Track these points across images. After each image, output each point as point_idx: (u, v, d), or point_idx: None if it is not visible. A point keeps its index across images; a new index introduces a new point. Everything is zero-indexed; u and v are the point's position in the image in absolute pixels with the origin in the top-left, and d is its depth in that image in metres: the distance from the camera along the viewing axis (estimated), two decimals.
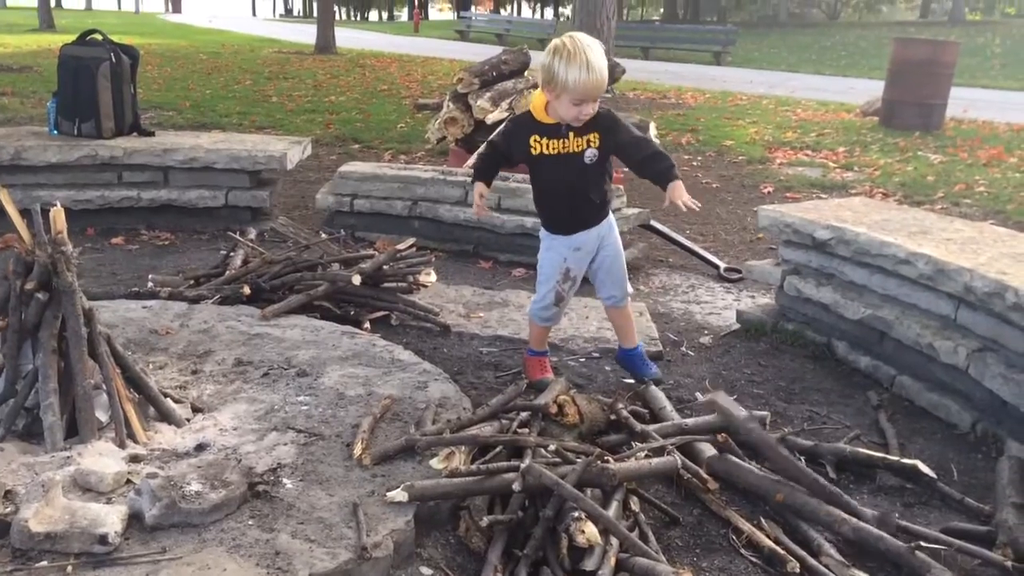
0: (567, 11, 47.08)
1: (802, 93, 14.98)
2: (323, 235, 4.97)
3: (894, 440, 2.94)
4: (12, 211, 2.42)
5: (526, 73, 6.66)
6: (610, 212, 3.21)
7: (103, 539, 1.91)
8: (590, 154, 2.97)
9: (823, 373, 3.54)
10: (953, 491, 2.60)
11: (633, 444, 2.66)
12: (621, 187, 5.04)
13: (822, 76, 19.53)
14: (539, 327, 3.29)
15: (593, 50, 2.80)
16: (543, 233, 3.22)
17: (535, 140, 2.98)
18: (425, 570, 2.11)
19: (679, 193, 2.86)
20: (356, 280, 3.63)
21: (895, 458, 2.69)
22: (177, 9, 62.92)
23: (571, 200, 3.08)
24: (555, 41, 2.85)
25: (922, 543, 2.21)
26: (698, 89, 15.30)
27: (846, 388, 3.41)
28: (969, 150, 9.33)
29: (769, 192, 7.34)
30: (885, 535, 2.24)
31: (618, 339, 3.43)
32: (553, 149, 2.97)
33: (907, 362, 3.34)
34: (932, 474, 2.60)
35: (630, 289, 3.34)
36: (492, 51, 6.92)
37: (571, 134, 2.95)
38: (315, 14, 21.40)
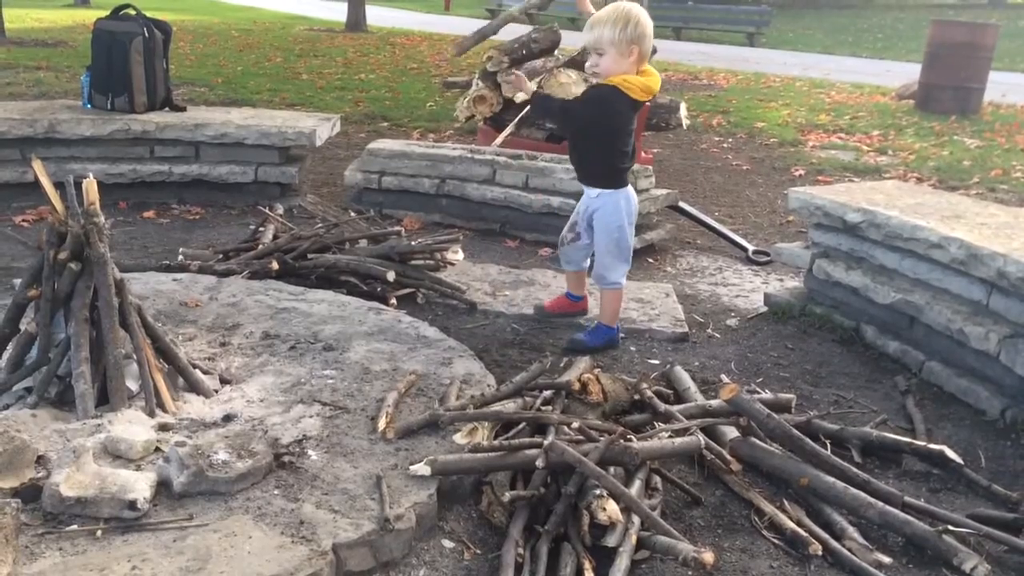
0: None
1: (837, 75, 14.74)
2: (351, 212, 5.00)
3: (921, 425, 2.91)
4: (46, 183, 2.45)
5: (556, 52, 6.61)
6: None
7: (132, 504, 1.94)
8: None
9: (851, 357, 3.51)
10: (980, 478, 2.57)
11: (656, 424, 2.66)
12: (650, 167, 5.01)
13: (858, 58, 19.19)
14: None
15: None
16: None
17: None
18: (447, 543, 2.13)
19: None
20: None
21: (922, 443, 2.66)
22: None
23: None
24: (618, 9, 3.12)
25: (949, 527, 2.19)
26: (730, 70, 15.11)
27: (874, 373, 3.38)
28: (1007, 135, 9.15)
29: (800, 175, 7.25)
30: (912, 519, 2.23)
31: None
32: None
33: (937, 347, 3.30)
34: (959, 460, 2.57)
35: (614, 278, 3.42)
36: (522, 30, 6.87)
37: None
38: None
